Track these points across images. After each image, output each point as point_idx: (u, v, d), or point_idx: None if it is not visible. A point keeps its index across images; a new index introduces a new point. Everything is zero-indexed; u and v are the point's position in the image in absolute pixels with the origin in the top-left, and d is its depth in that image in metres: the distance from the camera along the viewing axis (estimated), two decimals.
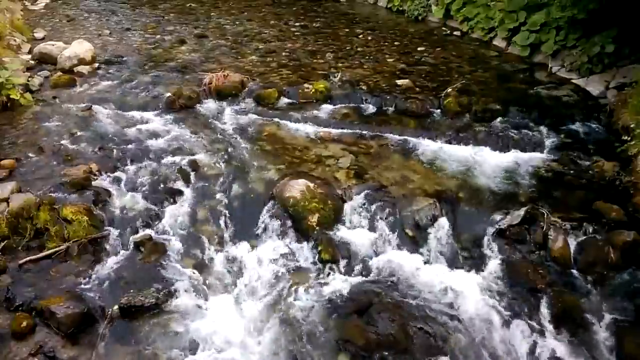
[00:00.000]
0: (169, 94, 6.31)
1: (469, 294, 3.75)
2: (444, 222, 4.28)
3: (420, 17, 10.40)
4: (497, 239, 4.15)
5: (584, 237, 4.05)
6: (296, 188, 4.46)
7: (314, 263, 4.09)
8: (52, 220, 4.05)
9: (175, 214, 4.45)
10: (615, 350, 3.39)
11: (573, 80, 6.80)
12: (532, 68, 7.40)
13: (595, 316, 3.58)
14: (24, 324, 3.32)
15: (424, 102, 6.15)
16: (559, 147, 5.30)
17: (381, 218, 4.36)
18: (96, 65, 7.42)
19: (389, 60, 7.86)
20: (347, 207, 4.48)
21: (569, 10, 6.75)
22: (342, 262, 4.07)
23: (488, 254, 4.10)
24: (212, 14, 11.30)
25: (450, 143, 5.46)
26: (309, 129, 5.82)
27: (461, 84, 6.57)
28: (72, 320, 3.38)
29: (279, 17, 11.04)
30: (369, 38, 9.21)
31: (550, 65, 7.27)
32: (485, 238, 4.18)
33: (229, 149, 5.33)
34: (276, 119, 6.02)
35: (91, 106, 6.05)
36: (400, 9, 11.05)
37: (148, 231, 4.23)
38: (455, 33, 9.36)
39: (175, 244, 4.20)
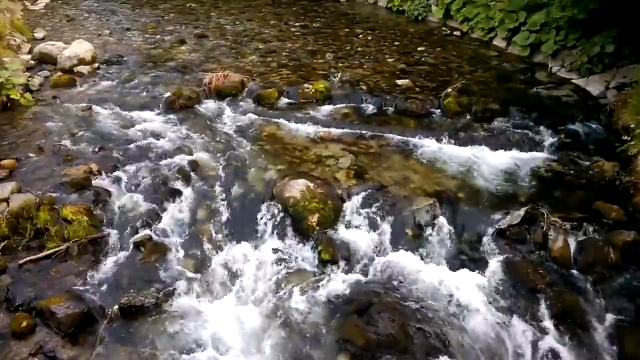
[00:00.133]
0: (168, 94, 6.31)
1: (469, 294, 3.74)
2: (444, 222, 4.28)
3: (420, 17, 10.41)
4: (497, 239, 4.15)
5: (584, 237, 4.04)
6: (296, 188, 4.46)
7: (314, 263, 4.09)
8: (52, 220, 4.05)
9: (175, 214, 4.45)
10: (615, 350, 3.39)
11: (573, 80, 6.80)
12: (532, 68, 7.40)
13: (595, 316, 3.58)
14: (24, 324, 3.33)
15: (424, 102, 6.15)
16: (559, 147, 5.29)
17: (381, 218, 4.36)
18: (96, 65, 7.43)
19: (389, 60, 7.86)
20: (347, 207, 4.47)
21: (569, 10, 6.75)
22: (342, 262, 4.06)
23: (488, 254, 4.09)
24: (212, 14, 11.30)
25: (450, 143, 5.45)
26: (309, 129, 5.82)
27: (461, 84, 6.56)
28: (72, 320, 3.38)
29: (279, 17, 11.05)
30: (369, 38, 9.21)
31: (550, 65, 7.27)
32: (485, 238, 4.18)
33: (229, 149, 5.33)
34: (276, 119, 6.02)
35: (91, 106, 6.06)
36: (400, 9, 11.06)
37: (148, 231, 4.22)
38: (455, 33, 9.36)
39: (175, 244, 4.21)
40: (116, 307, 3.57)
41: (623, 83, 6.16)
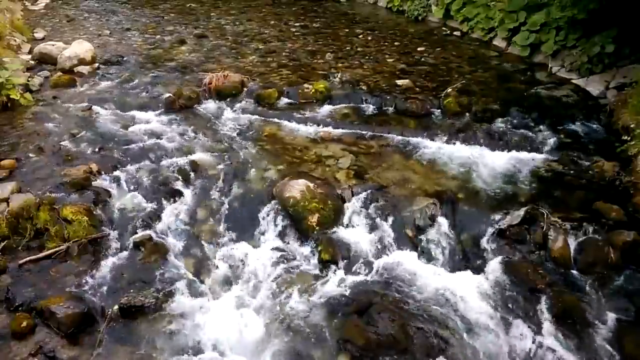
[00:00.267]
0: (168, 94, 6.31)
1: (469, 294, 3.74)
2: (444, 222, 4.29)
3: (420, 17, 10.41)
4: (497, 239, 4.15)
5: (584, 237, 4.04)
6: (296, 188, 4.46)
7: (314, 263, 4.09)
8: (52, 221, 4.05)
9: (175, 214, 4.45)
10: (615, 350, 3.39)
11: (573, 80, 6.80)
12: (532, 68, 7.39)
13: (595, 316, 3.58)
14: (24, 324, 3.32)
15: (424, 102, 6.15)
16: (559, 147, 5.29)
17: (381, 218, 4.36)
18: (96, 65, 7.43)
19: (389, 60, 7.86)
20: (347, 207, 4.48)
21: (569, 10, 6.75)
22: (342, 262, 4.07)
23: (488, 254, 4.09)
24: (212, 14, 11.31)
25: (450, 143, 5.45)
26: (309, 129, 5.82)
27: (461, 84, 6.57)
28: (72, 320, 3.38)
29: (279, 17, 11.05)
30: (369, 38, 9.21)
31: (550, 66, 7.27)
32: (485, 238, 4.18)
33: (229, 149, 5.33)
34: (276, 119, 6.02)
35: (91, 106, 6.06)
36: (400, 9, 11.06)
37: (148, 231, 4.22)
38: (455, 33, 9.36)
39: (175, 244, 4.21)
40: (116, 307, 3.57)
41: (623, 83, 6.16)
